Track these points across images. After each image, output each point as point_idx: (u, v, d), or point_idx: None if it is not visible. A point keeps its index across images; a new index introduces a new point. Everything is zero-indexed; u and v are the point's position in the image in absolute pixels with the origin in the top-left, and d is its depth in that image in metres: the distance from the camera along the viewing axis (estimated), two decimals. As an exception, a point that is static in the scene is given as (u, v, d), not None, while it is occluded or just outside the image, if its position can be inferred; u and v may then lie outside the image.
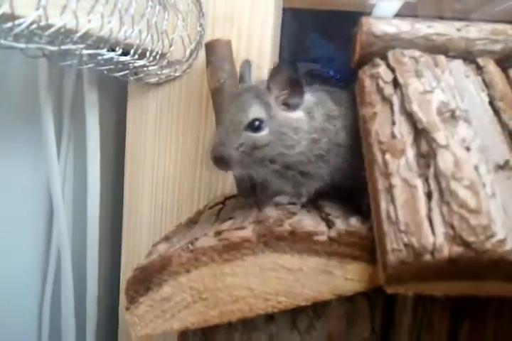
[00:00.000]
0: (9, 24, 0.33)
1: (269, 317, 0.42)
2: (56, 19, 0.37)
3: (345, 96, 0.52)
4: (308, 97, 0.50)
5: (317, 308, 0.42)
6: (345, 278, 0.39)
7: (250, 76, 0.56)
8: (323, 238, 0.39)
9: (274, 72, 0.48)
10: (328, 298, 0.39)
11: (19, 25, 0.34)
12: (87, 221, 0.62)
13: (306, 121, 0.49)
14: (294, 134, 0.48)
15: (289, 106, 0.49)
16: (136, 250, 0.64)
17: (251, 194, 0.56)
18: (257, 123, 0.47)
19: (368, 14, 0.79)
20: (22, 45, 0.37)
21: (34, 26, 0.36)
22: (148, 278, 0.40)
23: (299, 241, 0.39)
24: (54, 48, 0.41)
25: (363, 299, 0.42)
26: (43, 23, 0.36)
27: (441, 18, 0.74)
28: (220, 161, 0.47)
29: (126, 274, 0.64)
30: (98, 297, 0.63)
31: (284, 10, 0.74)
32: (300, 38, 0.96)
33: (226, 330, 0.43)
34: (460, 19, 0.50)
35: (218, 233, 0.42)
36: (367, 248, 0.38)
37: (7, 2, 0.31)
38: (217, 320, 0.39)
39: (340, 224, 0.40)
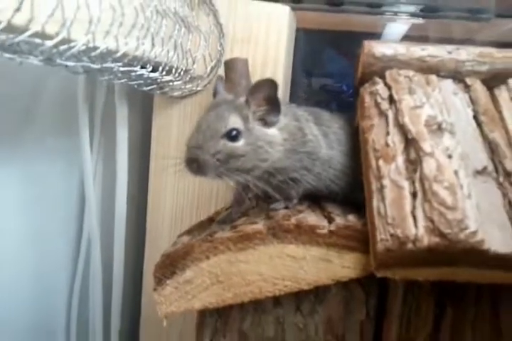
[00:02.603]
0: (65, 46, 0.40)
1: (277, 302, 0.49)
2: (101, 42, 0.44)
3: (330, 118, 0.57)
4: (283, 116, 0.52)
5: (318, 294, 0.48)
6: (343, 266, 0.45)
7: (223, 90, 0.58)
8: (324, 231, 0.45)
9: (255, 89, 0.50)
10: (327, 283, 0.45)
11: (73, 47, 0.41)
12: (115, 216, 0.69)
13: (280, 138, 0.51)
14: (269, 148, 0.50)
15: (265, 122, 0.51)
16: (158, 243, 0.70)
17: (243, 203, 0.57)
18: (234, 132, 0.49)
19: (379, 34, 0.86)
20: (72, 64, 0.44)
21: (83, 48, 0.43)
22: (173, 264, 0.46)
23: (303, 234, 0.45)
24: (97, 66, 0.48)
25: (359, 287, 0.48)
26: (90, 46, 0.43)
27: (447, 38, 0.81)
28: (194, 164, 0.48)
29: (149, 262, 0.70)
30: (124, 280, 0.70)
31: (300, 30, 0.81)
32: (315, 55, 1.02)
33: (239, 312, 0.49)
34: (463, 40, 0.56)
35: (234, 227, 0.48)
36: (362, 240, 0.44)
37: (66, 29, 0.38)
38: (231, 301, 0.46)
39: (339, 220, 0.46)
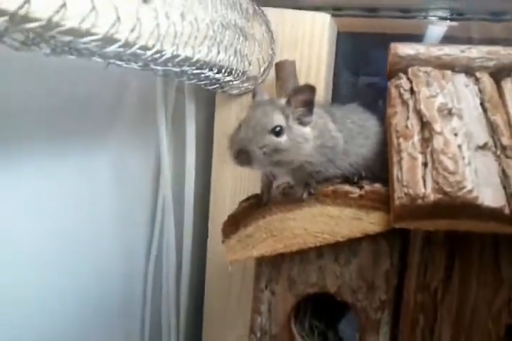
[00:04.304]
0: (158, 55, 0.54)
1: (319, 254, 0.61)
2: (181, 51, 0.58)
3: (342, 115, 0.64)
4: (315, 116, 0.59)
5: (352, 248, 0.60)
6: (370, 222, 0.57)
7: (261, 92, 0.64)
8: (355, 195, 0.57)
9: (296, 92, 0.57)
10: (358, 236, 0.57)
11: (163, 55, 0.54)
12: (185, 195, 0.83)
13: (312, 136, 0.57)
14: (306, 145, 0.56)
15: (301, 121, 0.57)
16: (220, 215, 0.82)
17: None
18: (278, 129, 0.55)
19: (419, 36, 0.96)
20: (161, 68, 0.58)
21: (169, 56, 0.56)
22: (237, 222, 0.60)
23: (339, 198, 0.57)
24: (177, 70, 0.62)
25: (384, 242, 0.59)
26: (174, 54, 0.57)
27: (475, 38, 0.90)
28: (242, 155, 0.53)
29: (213, 226, 0.84)
30: (192, 240, 0.84)
31: (342, 33, 0.92)
32: (361, 55, 1.12)
33: (288, 263, 0.62)
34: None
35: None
36: (385, 202, 0.56)
37: (160, 42, 0.52)
38: (282, 250, 0.59)
39: (367, 187, 0.58)
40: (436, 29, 0.99)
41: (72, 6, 0.37)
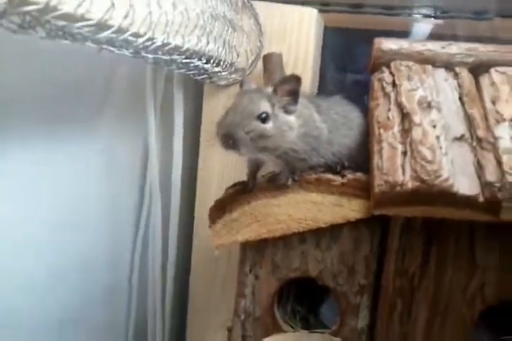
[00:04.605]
0: (149, 42, 0.55)
1: (301, 239, 0.63)
2: (172, 39, 0.59)
3: (327, 106, 0.66)
4: (300, 106, 0.61)
5: (333, 234, 0.62)
6: (351, 209, 0.59)
7: (249, 82, 0.67)
8: (338, 183, 0.59)
9: (283, 82, 0.59)
10: (340, 222, 0.59)
11: (154, 43, 0.56)
12: (172, 182, 0.85)
13: (297, 124, 0.60)
14: (290, 133, 0.59)
15: (286, 110, 0.59)
16: (207, 199, 0.82)
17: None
18: (264, 115, 0.57)
19: (404, 33, 0.98)
20: (151, 56, 0.60)
21: (160, 44, 0.58)
22: (223, 207, 0.62)
23: (322, 185, 0.60)
24: (167, 58, 0.63)
25: (365, 228, 0.62)
26: (165, 42, 0.58)
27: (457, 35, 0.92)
28: (229, 140, 0.55)
29: (199, 210, 0.85)
30: (178, 225, 0.86)
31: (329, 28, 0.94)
32: (346, 51, 1.15)
33: (272, 248, 0.64)
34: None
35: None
36: (365, 189, 0.58)
37: (151, 30, 0.53)
38: (266, 235, 0.61)
39: (349, 175, 0.60)
40: (421, 26, 1.01)
41: (69, -9, 0.39)
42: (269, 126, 0.57)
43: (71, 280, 0.72)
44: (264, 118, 0.57)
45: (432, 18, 0.94)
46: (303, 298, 0.71)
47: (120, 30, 0.48)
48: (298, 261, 0.63)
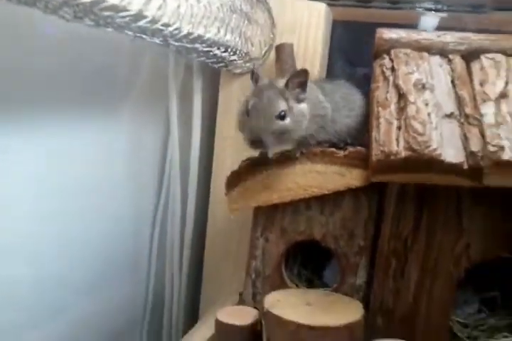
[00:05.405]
0: (176, 32, 0.63)
1: (308, 206, 0.71)
2: (195, 29, 0.67)
3: (331, 89, 0.73)
4: (308, 92, 0.67)
5: (336, 201, 0.70)
6: (352, 178, 0.67)
7: (262, 75, 0.70)
8: (340, 155, 0.67)
9: (294, 76, 0.65)
10: (341, 190, 0.67)
11: (181, 32, 0.64)
12: (190, 159, 0.93)
13: (307, 109, 0.66)
14: (304, 120, 0.65)
15: (297, 100, 0.65)
16: (222, 177, 0.90)
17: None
18: (282, 113, 0.63)
19: (414, 26, 1.05)
20: (176, 44, 0.68)
21: (185, 33, 0.66)
22: (238, 177, 0.70)
23: (326, 156, 0.67)
24: (190, 46, 0.71)
25: (364, 196, 0.69)
26: (190, 31, 0.66)
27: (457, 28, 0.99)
28: (258, 143, 0.62)
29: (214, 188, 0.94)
30: (196, 201, 0.94)
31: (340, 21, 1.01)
32: (353, 44, 1.22)
33: (281, 213, 0.72)
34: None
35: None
36: (365, 160, 0.66)
37: (179, 21, 0.61)
38: (276, 201, 0.69)
39: (351, 149, 0.68)
40: (426, 20, 1.09)
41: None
42: (287, 121, 0.64)
43: (96, 247, 0.80)
44: (283, 116, 0.63)
45: (434, 12, 1.01)
46: (308, 262, 0.79)
47: (153, 21, 0.56)
48: (304, 226, 0.71)
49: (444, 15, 1.02)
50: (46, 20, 0.51)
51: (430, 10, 1.02)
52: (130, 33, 0.59)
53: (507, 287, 0.73)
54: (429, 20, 1.10)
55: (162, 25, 0.59)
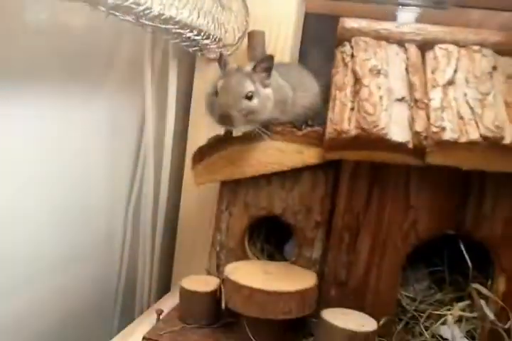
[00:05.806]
0: (148, 11, 0.67)
1: (269, 182, 0.75)
2: (167, 10, 0.71)
3: (285, 70, 0.77)
4: (271, 78, 0.71)
5: (295, 177, 0.74)
6: (309, 155, 0.72)
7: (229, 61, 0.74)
8: (299, 134, 0.72)
9: (261, 61, 0.70)
10: (299, 166, 0.71)
11: (152, 12, 0.68)
12: (165, 141, 0.97)
13: (272, 94, 0.71)
14: (270, 104, 0.70)
15: (263, 84, 0.70)
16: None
17: None
18: (250, 94, 0.68)
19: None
20: (149, 23, 0.71)
21: (156, 13, 0.69)
22: (204, 152, 0.74)
23: (286, 135, 0.72)
24: (162, 26, 0.75)
25: (321, 172, 0.74)
26: (161, 12, 0.70)
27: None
28: (226, 119, 0.66)
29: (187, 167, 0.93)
30: (169, 180, 0.98)
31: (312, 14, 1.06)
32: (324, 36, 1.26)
33: (244, 189, 0.76)
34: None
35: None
36: (321, 139, 0.70)
37: (149, 1, 0.65)
38: (239, 176, 0.73)
39: (309, 128, 0.73)
40: (400, 14, 1.14)
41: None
42: (255, 102, 0.69)
43: (73, 221, 0.84)
44: (250, 97, 0.68)
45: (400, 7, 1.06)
46: (272, 237, 0.84)
47: (124, -3, 0.60)
48: (265, 201, 0.76)
49: (409, 9, 1.07)
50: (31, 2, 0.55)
51: (398, 5, 1.07)
52: (103, 9, 0.62)
53: (454, 264, 0.79)
54: (401, 15, 1.15)
55: (132, 3, 0.63)
